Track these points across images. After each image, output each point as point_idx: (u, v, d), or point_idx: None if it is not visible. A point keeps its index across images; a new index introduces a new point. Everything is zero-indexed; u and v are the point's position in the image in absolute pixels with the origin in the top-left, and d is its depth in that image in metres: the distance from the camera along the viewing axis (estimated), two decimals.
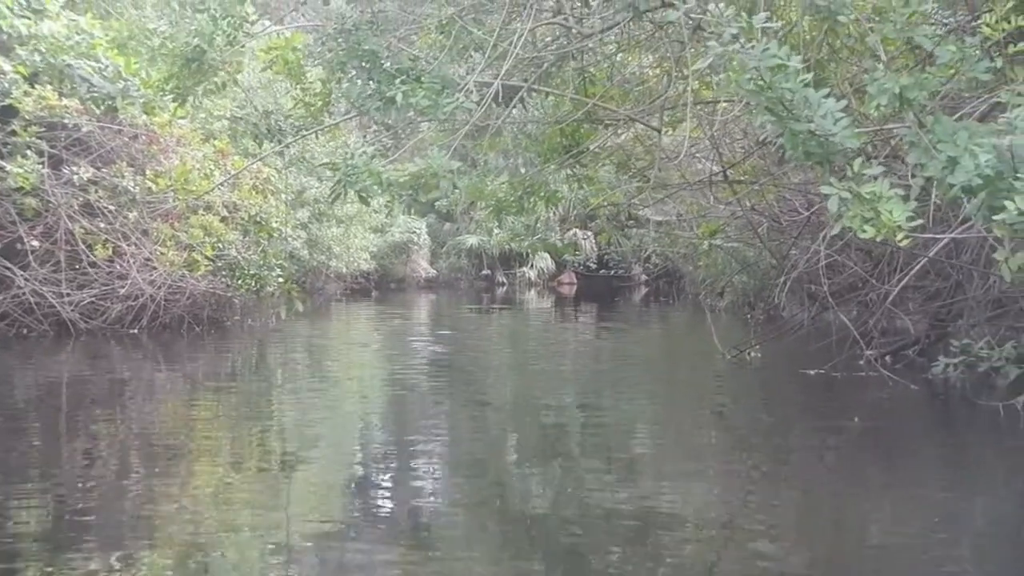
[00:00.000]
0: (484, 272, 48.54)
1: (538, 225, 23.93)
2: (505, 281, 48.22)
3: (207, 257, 19.76)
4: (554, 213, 33.90)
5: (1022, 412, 10.19)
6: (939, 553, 6.93)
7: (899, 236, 6.17)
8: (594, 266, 48.06)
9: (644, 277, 46.31)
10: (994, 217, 5.91)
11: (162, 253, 19.12)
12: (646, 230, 27.05)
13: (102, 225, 18.90)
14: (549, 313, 34.62)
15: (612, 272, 46.79)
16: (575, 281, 48.53)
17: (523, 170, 13.26)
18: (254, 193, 21.35)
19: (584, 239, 46.92)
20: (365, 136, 27.49)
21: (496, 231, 41.04)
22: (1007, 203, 5.74)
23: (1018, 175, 5.82)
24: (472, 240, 45.96)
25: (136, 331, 19.20)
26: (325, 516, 7.87)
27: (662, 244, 29.90)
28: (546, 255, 47.54)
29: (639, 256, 42.30)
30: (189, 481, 8.82)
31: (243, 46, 10.30)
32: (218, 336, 20.05)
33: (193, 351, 18.24)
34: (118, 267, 18.98)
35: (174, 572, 6.38)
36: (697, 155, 15.53)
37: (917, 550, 6.94)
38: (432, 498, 8.65)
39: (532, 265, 47.85)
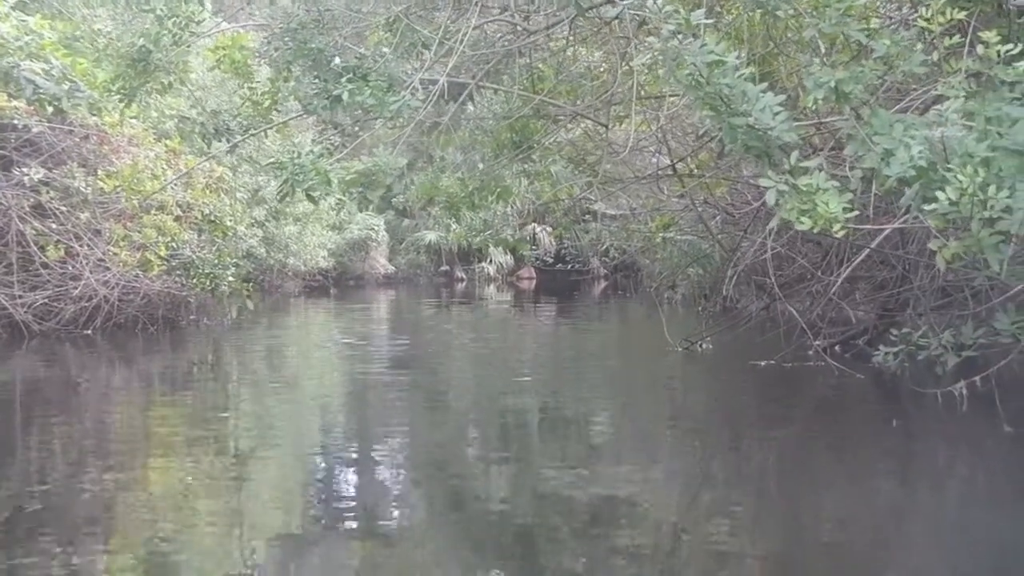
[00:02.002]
0: (443, 268, 48.54)
1: (495, 220, 23.93)
2: (464, 276, 48.27)
3: (161, 257, 19.68)
4: (511, 208, 33.97)
5: (958, 399, 10.37)
6: (888, 541, 7.05)
7: (835, 227, 6.29)
8: (551, 260, 48.18)
9: (603, 271, 46.45)
10: (925, 207, 6.03)
11: (115, 253, 19.04)
12: (603, 224, 27.13)
13: (54, 226, 18.80)
14: (508, 308, 34.70)
15: (570, 266, 46.91)
16: (534, 276, 48.63)
17: (480, 166, 13.34)
18: (208, 192, 21.29)
19: (542, 232, 47.05)
20: (322, 132, 27.51)
21: (454, 227, 41.08)
22: (938, 193, 5.85)
23: (949, 166, 5.93)
24: (430, 236, 45.92)
25: (90, 332, 19.10)
26: (284, 511, 7.88)
27: (619, 238, 30.04)
28: (505, 250, 47.60)
29: (596, 250, 42.47)
30: (146, 481, 8.79)
31: (189, 46, 10.30)
32: (173, 336, 19.96)
33: (148, 351, 18.15)
34: (71, 268, 18.88)
35: (134, 571, 6.39)
36: (648, 148, 15.63)
37: (869, 538, 7.07)
38: (392, 491, 8.67)
39: (491, 260, 47.89)
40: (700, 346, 16.27)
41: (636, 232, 22.59)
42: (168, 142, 21.12)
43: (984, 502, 8.16)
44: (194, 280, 20.52)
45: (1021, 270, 9.75)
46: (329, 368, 17.47)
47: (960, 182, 5.77)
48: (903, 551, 6.86)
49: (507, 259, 48.42)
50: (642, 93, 11.89)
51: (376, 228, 43.77)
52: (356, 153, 14.21)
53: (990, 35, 6.31)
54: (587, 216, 29.08)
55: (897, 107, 8.16)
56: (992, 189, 5.73)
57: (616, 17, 9.61)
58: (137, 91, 10.46)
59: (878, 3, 10.11)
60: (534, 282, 47.54)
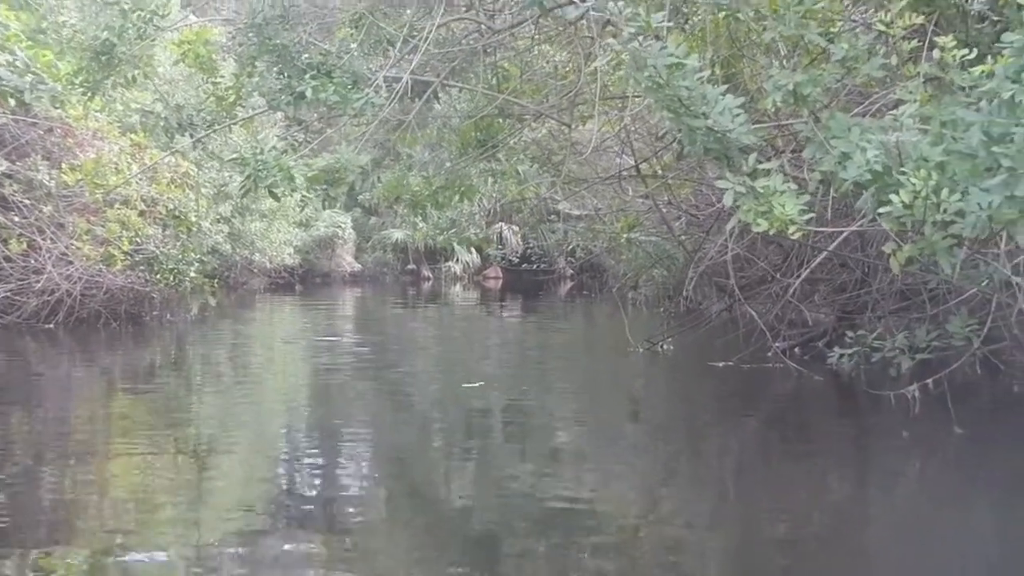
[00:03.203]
0: (410, 266, 48.46)
1: (461, 219, 23.92)
2: (431, 275, 48.20)
3: (124, 251, 19.57)
4: (478, 207, 33.99)
5: (911, 401, 10.50)
6: (844, 543, 7.15)
7: (791, 229, 6.34)
8: (517, 260, 48.14)
9: (569, 271, 46.50)
10: (880, 211, 6.09)
11: (78, 247, 18.95)
12: (568, 224, 27.21)
13: (16, 219, 18.71)
14: (474, 308, 34.70)
15: (536, 266, 46.87)
16: (500, 275, 48.60)
17: (448, 164, 13.34)
18: (173, 187, 21.19)
19: (509, 232, 47.08)
20: (288, 128, 27.42)
21: (420, 225, 41.01)
22: (892, 197, 5.91)
23: (903, 170, 6.00)
24: (397, 234, 45.83)
25: (52, 326, 19.02)
26: (246, 511, 7.83)
27: (584, 238, 30.11)
28: (472, 249, 47.61)
29: (563, 250, 42.53)
30: (107, 478, 8.76)
31: (154, 40, 10.26)
32: (135, 331, 19.87)
33: (111, 346, 18.09)
34: (33, 262, 18.80)
35: (93, 571, 6.36)
36: (612, 149, 15.69)
37: (821, 536, 7.18)
38: (354, 491, 8.69)
39: (457, 259, 47.85)
40: (661, 347, 16.38)
41: (601, 232, 22.66)
42: (133, 136, 21.01)
43: (933, 502, 8.30)
44: (158, 275, 20.44)
45: (975, 273, 9.89)
46: (290, 365, 17.46)
47: (914, 185, 5.83)
48: (853, 549, 6.96)
49: (473, 258, 48.39)
50: (606, 93, 11.95)
51: (343, 226, 43.68)
52: (323, 149, 14.22)
53: (947, 40, 6.38)
54: (553, 216, 29.13)
55: (857, 110, 8.24)
56: (945, 193, 5.78)
57: (580, 18, 9.67)
58: (100, 84, 10.41)
59: (841, 6, 10.20)
60: (500, 281, 47.52)
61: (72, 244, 19.07)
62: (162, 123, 11.05)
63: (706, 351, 15.84)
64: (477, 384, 14.15)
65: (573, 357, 19.35)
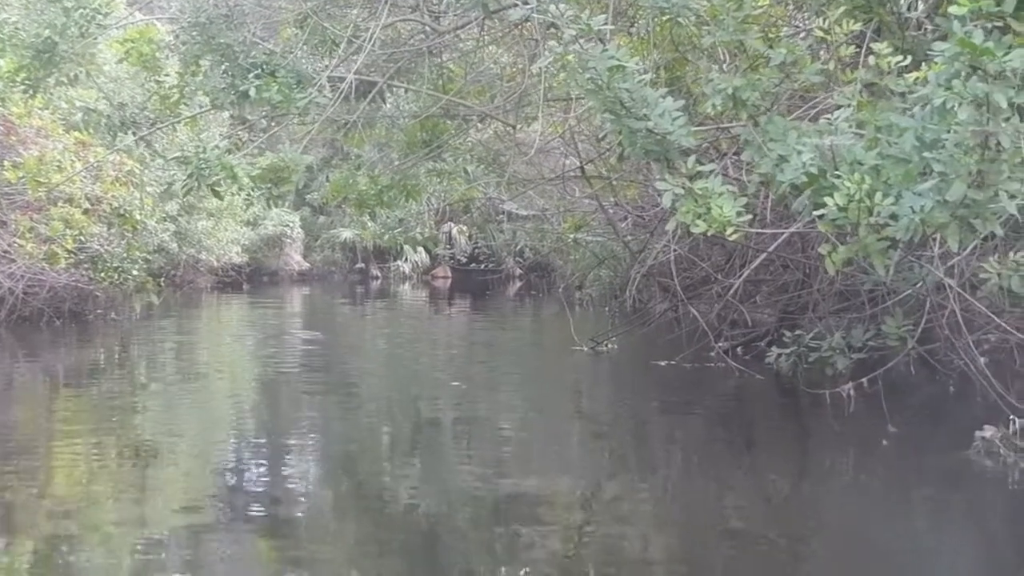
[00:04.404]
0: (358, 265, 48.23)
1: (409, 219, 23.86)
2: (379, 275, 48.01)
3: (68, 249, 19.43)
4: (427, 207, 33.92)
5: (846, 400, 10.69)
6: (778, 536, 7.26)
7: (729, 231, 6.43)
8: (466, 260, 48.09)
9: (518, 271, 46.50)
10: (816, 213, 6.20)
11: (21, 245, 18.77)
12: (517, 224, 27.27)
13: None
14: (422, 307, 34.67)
15: (484, 266, 46.82)
16: (449, 275, 48.49)
17: (397, 163, 13.37)
18: (117, 185, 21.03)
19: (459, 233, 47.06)
20: (232, 127, 27.21)
21: (369, 224, 40.87)
22: (827, 200, 6.01)
23: (838, 173, 6.10)
24: (346, 233, 45.60)
25: None
26: (190, 512, 7.80)
27: (532, 238, 30.17)
28: (420, 249, 47.51)
29: (511, 250, 42.56)
30: (50, 478, 8.72)
31: (96, 38, 10.20)
32: (79, 330, 19.72)
33: (54, 345, 17.95)
34: None
35: (36, 570, 6.34)
36: (558, 150, 15.78)
37: (765, 535, 7.29)
38: (299, 491, 8.70)
39: (406, 259, 47.73)
40: (606, 346, 16.47)
41: (548, 233, 22.74)
42: (78, 134, 20.81)
43: (862, 497, 8.47)
44: (102, 274, 20.30)
45: (909, 275, 10.06)
46: (234, 363, 17.40)
47: (848, 188, 5.92)
48: (787, 542, 7.09)
49: (422, 258, 48.27)
50: (551, 95, 12.02)
51: (291, 224, 43.43)
52: (271, 148, 14.18)
53: (882, 46, 6.49)
54: (500, 216, 29.19)
55: (797, 113, 8.37)
56: (879, 196, 5.88)
57: (524, 20, 9.72)
58: (42, 82, 10.33)
59: (784, 11, 10.33)
60: (449, 281, 47.42)
61: (15, 242, 18.89)
62: (104, 121, 10.99)
63: (650, 350, 15.96)
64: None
65: (518, 355, 19.42)
